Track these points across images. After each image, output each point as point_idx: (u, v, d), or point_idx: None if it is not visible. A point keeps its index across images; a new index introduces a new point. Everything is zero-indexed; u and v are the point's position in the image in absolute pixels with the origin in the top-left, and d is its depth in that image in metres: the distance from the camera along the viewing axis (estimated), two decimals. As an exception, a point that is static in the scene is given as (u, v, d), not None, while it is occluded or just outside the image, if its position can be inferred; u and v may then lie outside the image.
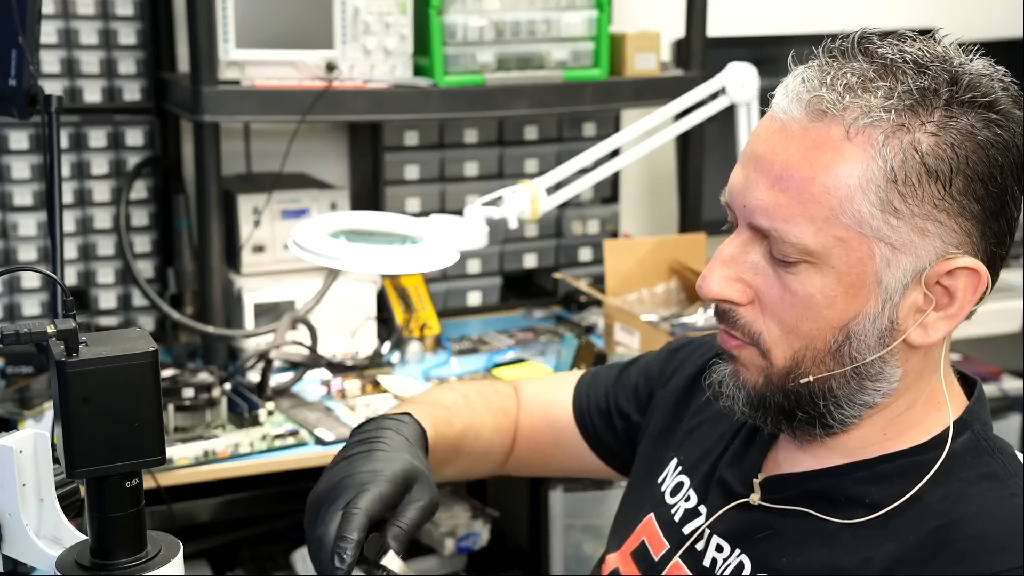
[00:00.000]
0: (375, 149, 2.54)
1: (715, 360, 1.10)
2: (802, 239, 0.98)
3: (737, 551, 1.10)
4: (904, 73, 0.98)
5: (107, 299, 2.38)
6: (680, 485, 1.21)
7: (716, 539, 1.12)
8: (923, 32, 1.04)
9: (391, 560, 1.08)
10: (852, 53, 1.01)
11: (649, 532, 1.21)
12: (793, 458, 1.11)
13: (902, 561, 0.99)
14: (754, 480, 1.11)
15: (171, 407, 2.00)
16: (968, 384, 1.12)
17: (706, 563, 1.12)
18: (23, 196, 2.28)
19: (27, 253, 2.29)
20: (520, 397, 1.43)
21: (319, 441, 2.01)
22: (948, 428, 1.05)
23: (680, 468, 1.23)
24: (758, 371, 1.05)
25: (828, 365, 1.02)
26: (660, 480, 1.25)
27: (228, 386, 2.11)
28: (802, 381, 1.03)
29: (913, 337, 1.01)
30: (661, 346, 1.42)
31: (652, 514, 1.22)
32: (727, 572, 1.10)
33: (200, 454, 1.95)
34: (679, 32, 2.62)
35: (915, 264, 0.98)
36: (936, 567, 0.97)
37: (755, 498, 1.10)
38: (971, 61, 1.00)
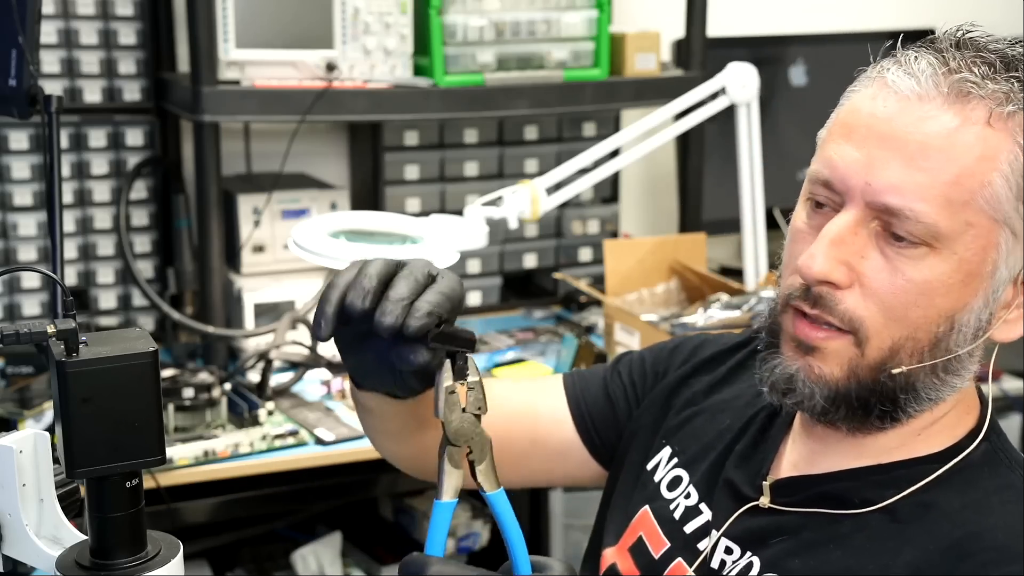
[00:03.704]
0: (375, 149, 2.54)
1: (770, 355, 1.04)
2: (935, 220, 0.95)
3: (748, 553, 1.08)
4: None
5: (107, 299, 2.38)
6: (678, 480, 1.19)
7: (725, 541, 1.10)
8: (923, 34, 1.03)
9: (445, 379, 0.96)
10: (970, 45, 0.99)
11: (646, 527, 1.19)
12: (808, 459, 1.09)
13: (922, 570, 0.98)
14: (763, 483, 1.09)
15: (171, 407, 2.00)
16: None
17: (714, 565, 1.10)
18: (23, 196, 2.28)
19: (27, 253, 2.29)
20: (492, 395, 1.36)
21: (319, 441, 2.02)
22: (967, 436, 1.05)
23: (676, 460, 1.21)
24: (842, 364, 1.00)
25: (923, 357, 0.99)
26: (651, 468, 1.22)
27: (228, 386, 2.11)
28: (894, 372, 0.99)
29: (997, 334, 1.00)
30: (650, 346, 1.37)
31: (647, 507, 1.20)
32: (734, 573, 1.08)
33: (200, 454, 1.95)
34: (679, 32, 2.62)
35: None
36: None
37: (765, 501, 1.08)
38: None
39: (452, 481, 0.96)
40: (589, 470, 1.35)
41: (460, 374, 0.97)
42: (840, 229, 0.99)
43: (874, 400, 1.01)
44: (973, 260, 0.97)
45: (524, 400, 1.36)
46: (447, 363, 0.97)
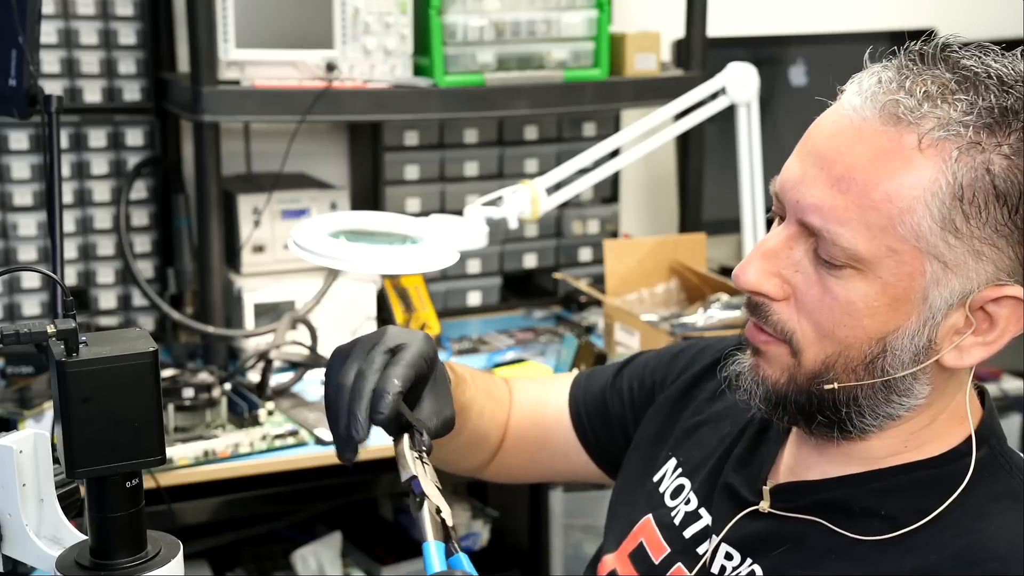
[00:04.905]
0: (375, 149, 2.54)
1: (734, 351, 1.07)
2: (854, 244, 0.95)
3: (749, 560, 1.08)
4: (987, 89, 0.94)
5: (107, 299, 2.38)
6: (681, 488, 1.19)
7: (725, 547, 1.10)
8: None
9: (407, 452, 1.04)
10: (934, 60, 0.96)
11: (647, 534, 1.19)
12: (806, 464, 1.09)
13: None
14: (763, 488, 1.09)
15: (171, 407, 2.00)
16: (978, 392, 1.09)
17: (714, 570, 1.10)
18: (23, 196, 2.28)
19: (27, 253, 2.29)
20: (512, 393, 1.39)
21: (319, 441, 2.02)
22: (965, 441, 1.04)
23: (680, 470, 1.21)
24: (783, 370, 1.02)
25: (858, 375, 0.99)
26: (657, 480, 1.23)
27: (228, 386, 2.11)
28: (827, 387, 1.00)
29: (947, 359, 0.99)
30: (658, 348, 1.39)
31: (650, 515, 1.20)
32: None
33: (200, 454, 1.95)
34: (679, 32, 2.62)
35: (964, 286, 0.96)
36: None
37: (764, 506, 1.08)
38: None
39: (434, 527, 0.97)
40: (591, 469, 1.38)
41: (418, 447, 1.04)
42: (773, 243, 1.01)
43: (813, 409, 1.02)
44: (899, 286, 0.96)
45: (535, 399, 1.39)
46: (404, 436, 1.05)
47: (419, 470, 1.01)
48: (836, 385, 1.00)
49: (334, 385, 1.09)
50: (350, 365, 1.08)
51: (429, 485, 1.00)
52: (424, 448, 1.04)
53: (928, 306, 0.96)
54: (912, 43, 0.99)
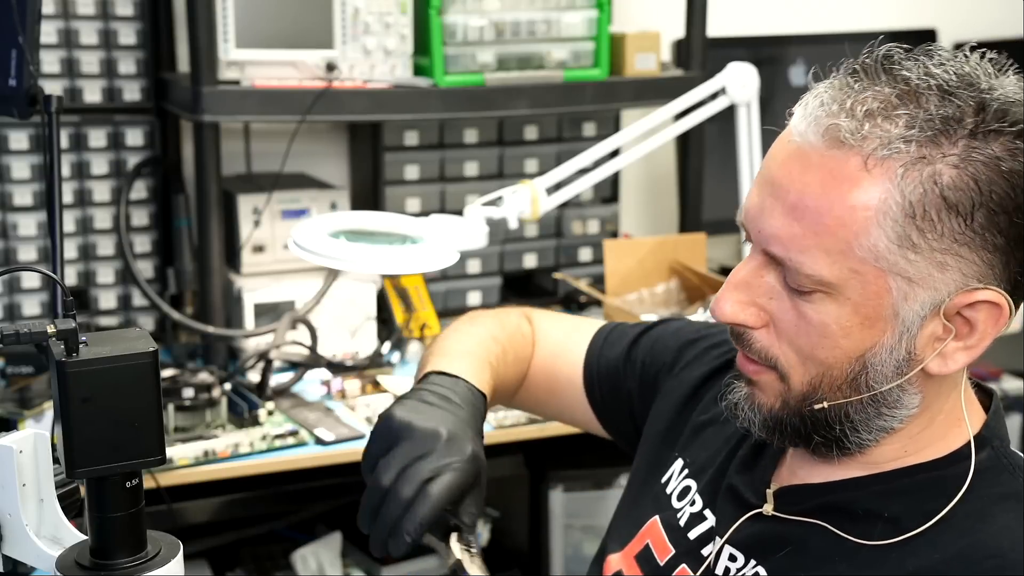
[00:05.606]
0: (375, 149, 2.54)
1: (731, 380, 1.08)
2: (817, 270, 0.96)
3: (752, 562, 1.08)
4: (928, 100, 0.93)
5: (107, 299, 2.38)
6: (687, 489, 1.20)
7: (729, 548, 1.11)
8: (958, 46, 0.99)
9: (454, 546, 1.09)
10: (875, 72, 0.96)
11: (654, 535, 1.20)
12: (808, 468, 1.09)
13: None
14: (767, 491, 1.10)
15: (171, 407, 2.00)
16: (985, 393, 1.10)
17: (718, 572, 1.11)
18: (23, 196, 2.28)
19: (27, 253, 2.29)
20: (536, 339, 1.41)
21: (319, 441, 2.02)
22: (967, 443, 1.04)
23: (687, 471, 1.22)
24: (776, 396, 1.03)
25: (845, 393, 1.00)
26: (664, 481, 1.23)
27: (228, 386, 2.11)
28: (817, 407, 1.01)
29: (931, 367, 0.99)
30: (678, 324, 1.39)
31: (657, 517, 1.21)
32: None
33: (200, 454, 1.95)
34: (679, 32, 2.62)
35: (933, 297, 0.96)
36: None
37: (768, 508, 1.09)
38: (1002, 80, 0.95)
39: None
40: (595, 425, 1.41)
41: (466, 543, 1.10)
42: (744, 274, 1.02)
43: (808, 431, 1.03)
44: (868, 304, 0.96)
45: (552, 350, 1.41)
46: (452, 536, 1.11)
47: (465, 559, 1.07)
48: (826, 404, 1.01)
49: (368, 472, 1.12)
50: (389, 466, 1.10)
51: (475, 571, 1.05)
52: (472, 544, 1.10)
53: (901, 321, 0.97)
54: (852, 60, 0.99)
